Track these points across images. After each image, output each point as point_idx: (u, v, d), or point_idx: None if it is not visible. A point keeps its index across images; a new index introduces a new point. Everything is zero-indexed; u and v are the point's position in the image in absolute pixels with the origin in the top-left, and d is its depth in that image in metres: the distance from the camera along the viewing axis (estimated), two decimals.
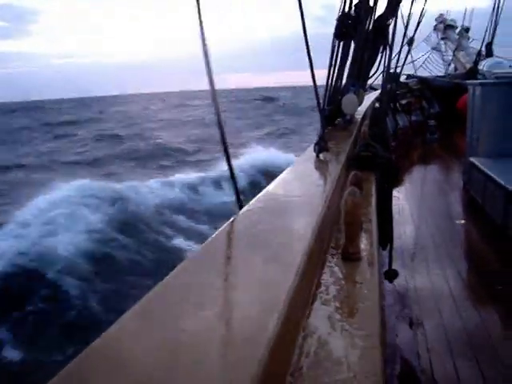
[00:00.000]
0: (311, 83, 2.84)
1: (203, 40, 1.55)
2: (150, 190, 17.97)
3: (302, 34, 2.66)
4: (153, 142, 34.59)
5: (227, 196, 15.71)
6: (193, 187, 18.74)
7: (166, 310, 0.88)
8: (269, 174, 16.54)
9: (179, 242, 13.40)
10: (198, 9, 1.54)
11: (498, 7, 13.56)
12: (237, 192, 1.71)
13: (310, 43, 2.72)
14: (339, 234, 1.63)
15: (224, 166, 1.84)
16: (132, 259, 12.18)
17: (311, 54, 2.74)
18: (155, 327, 0.82)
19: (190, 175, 20.40)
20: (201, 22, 1.55)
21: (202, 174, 20.38)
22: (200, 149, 31.20)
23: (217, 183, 18.44)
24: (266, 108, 63.41)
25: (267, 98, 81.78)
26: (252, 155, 21.30)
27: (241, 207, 1.64)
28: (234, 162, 1.83)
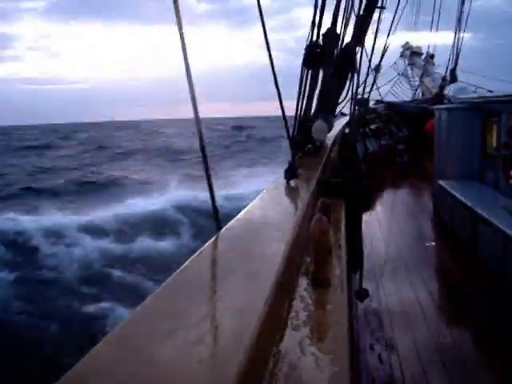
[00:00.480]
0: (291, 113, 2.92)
1: (188, 69, 1.59)
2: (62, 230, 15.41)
3: (270, 65, 2.72)
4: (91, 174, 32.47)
5: (168, 241, 14.76)
6: (123, 230, 16.39)
7: (139, 340, 0.88)
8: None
9: (101, 307, 10.31)
10: (182, 42, 1.58)
11: (460, 33, 14.05)
12: (216, 214, 1.73)
13: (282, 74, 2.79)
14: (309, 260, 1.65)
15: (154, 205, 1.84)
16: (29, 339, 9.03)
17: (278, 84, 2.80)
18: (129, 357, 0.82)
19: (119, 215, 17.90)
20: (185, 53, 1.59)
21: (135, 211, 18.16)
22: (147, 181, 28.05)
23: (154, 224, 16.72)
24: (233, 137, 63.41)
25: (237, 127, 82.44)
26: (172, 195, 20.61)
27: (219, 229, 1.67)
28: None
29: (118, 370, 0.77)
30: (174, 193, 21.25)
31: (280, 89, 2.78)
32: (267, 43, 2.62)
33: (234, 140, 57.30)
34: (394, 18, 6.05)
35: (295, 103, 4.36)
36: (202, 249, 1.44)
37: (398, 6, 6.38)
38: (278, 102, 2.84)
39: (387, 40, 6.54)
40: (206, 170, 1.74)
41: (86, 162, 40.77)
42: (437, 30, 17.45)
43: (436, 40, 17.91)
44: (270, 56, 2.70)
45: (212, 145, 45.54)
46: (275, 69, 2.74)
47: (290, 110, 3.11)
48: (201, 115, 1.68)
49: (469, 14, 13.90)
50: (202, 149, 1.72)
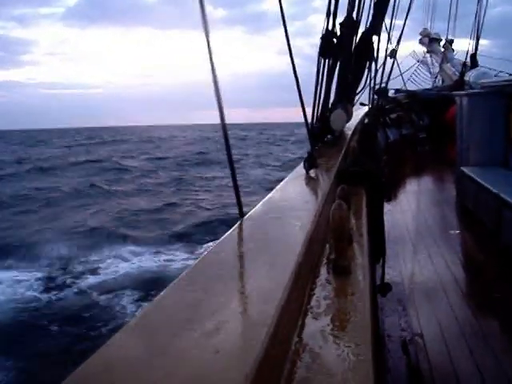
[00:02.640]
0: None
1: (214, 73, 1.61)
2: None
3: (289, 54, 2.72)
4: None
5: None
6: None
7: (157, 330, 0.89)
8: None
9: None
10: (209, 48, 1.59)
11: (480, 18, 13.79)
12: (239, 200, 1.76)
13: (303, 80, 2.80)
14: (330, 248, 1.65)
15: None
16: None
17: (298, 77, 2.80)
18: (147, 347, 0.82)
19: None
20: (211, 58, 1.60)
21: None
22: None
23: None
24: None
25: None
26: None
27: (242, 215, 1.69)
28: None
29: (133, 360, 0.78)
30: None
31: (298, 77, 2.78)
32: (287, 38, 2.63)
33: None
34: (410, 2, 5.96)
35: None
36: (223, 237, 1.45)
37: None
38: (297, 92, 2.84)
39: (404, 23, 6.46)
40: (230, 159, 1.78)
41: None
42: (453, 37, 17.22)
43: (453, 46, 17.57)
44: (289, 46, 2.70)
45: None
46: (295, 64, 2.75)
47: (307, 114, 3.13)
48: (214, 121, 1.71)
49: (485, 13, 13.61)
50: (226, 139, 1.75)
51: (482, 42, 14.37)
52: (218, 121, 1.66)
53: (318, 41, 4.43)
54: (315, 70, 4.39)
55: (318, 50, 4.40)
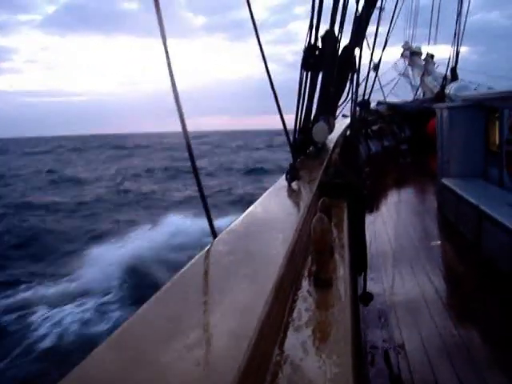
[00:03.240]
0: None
1: (173, 82, 1.59)
2: None
3: (265, 68, 2.73)
4: None
5: None
6: None
7: (138, 343, 0.88)
8: None
9: None
10: (166, 53, 1.58)
11: (459, 32, 14.00)
12: (210, 220, 1.73)
13: (282, 87, 2.81)
14: (312, 261, 1.64)
15: None
16: None
17: (277, 96, 2.81)
18: (128, 360, 0.81)
19: None
20: (169, 65, 1.59)
21: None
22: None
23: None
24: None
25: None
26: None
27: (215, 236, 1.66)
28: None
29: (115, 374, 0.77)
30: None
31: (277, 91, 2.79)
32: (260, 47, 2.63)
33: None
34: (392, 18, 6.05)
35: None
36: (202, 251, 1.44)
37: (396, 5, 6.41)
38: (276, 106, 2.85)
39: (388, 35, 6.55)
40: (197, 178, 1.76)
41: None
42: (435, 43, 17.48)
43: (434, 53, 17.85)
44: (264, 58, 2.71)
45: None
46: (272, 77, 2.76)
47: (289, 122, 3.14)
48: (193, 128, 1.69)
49: (466, 21, 13.84)
50: (192, 160, 1.73)
51: (461, 49, 14.55)
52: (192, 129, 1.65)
53: (298, 48, 4.45)
54: (296, 77, 4.41)
55: (298, 58, 4.43)
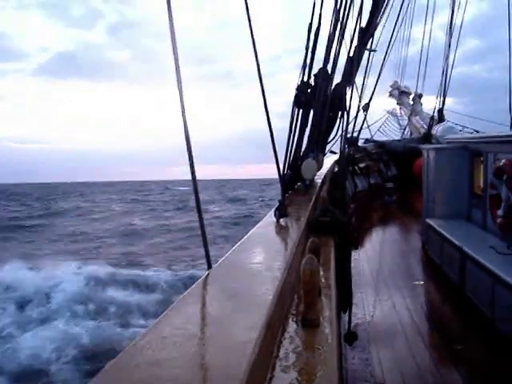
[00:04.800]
0: (275, 176, 3.02)
1: (186, 128, 1.66)
2: None
3: (263, 104, 2.78)
4: None
5: None
6: None
7: (131, 376, 0.88)
8: None
9: None
10: (182, 103, 1.65)
11: (447, 75, 14.36)
12: (207, 252, 1.79)
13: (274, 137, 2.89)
14: (299, 300, 1.65)
15: None
16: None
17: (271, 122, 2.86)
18: None
19: None
20: (183, 113, 1.66)
21: None
22: None
23: None
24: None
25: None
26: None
27: (209, 266, 1.70)
28: None
29: None
30: None
31: (272, 128, 2.84)
32: (261, 81, 2.69)
33: None
34: (383, 59, 6.20)
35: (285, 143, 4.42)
36: (189, 289, 1.44)
37: (388, 47, 6.57)
38: (270, 140, 2.89)
39: (378, 77, 6.69)
40: (198, 209, 1.79)
41: None
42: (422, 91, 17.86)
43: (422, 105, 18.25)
44: (263, 93, 2.76)
45: None
46: (266, 122, 2.83)
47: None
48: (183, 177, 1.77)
49: (452, 71, 14.26)
50: (195, 190, 1.78)
51: (447, 100, 14.94)
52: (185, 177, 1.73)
53: (284, 98, 4.57)
54: (285, 125, 4.52)
55: (285, 105, 4.55)
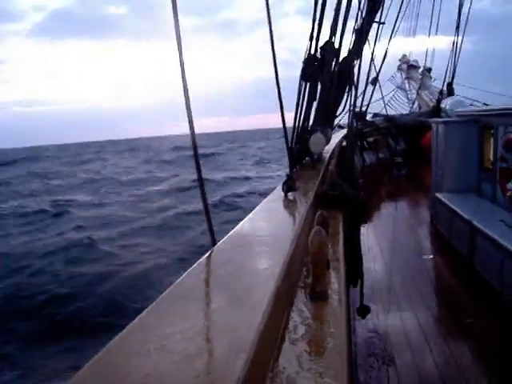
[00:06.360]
0: (281, 125, 2.95)
1: (184, 84, 1.60)
2: None
3: (273, 77, 2.74)
4: None
5: None
6: None
7: (129, 355, 0.88)
8: None
9: None
10: (180, 52, 1.59)
11: (457, 49, 14.13)
12: (211, 228, 1.74)
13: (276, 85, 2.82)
14: (307, 273, 1.65)
15: None
16: None
17: (280, 95, 2.83)
18: (125, 372, 0.81)
19: None
20: (182, 66, 1.59)
21: None
22: None
23: None
24: None
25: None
26: None
27: (214, 243, 1.67)
28: None
29: None
30: None
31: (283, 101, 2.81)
32: (274, 56, 2.65)
33: None
34: (392, 32, 6.10)
35: (290, 115, 4.38)
36: (196, 263, 1.44)
37: (396, 21, 6.46)
38: (280, 115, 2.86)
39: (387, 48, 6.59)
40: (201, 185, 1.76)
41: None
42: (436, 33, 17.46)
43: (434, 44, 17.88)
44: (276, 68, 2.72)
45: None
46: (270, 80, 2.78)
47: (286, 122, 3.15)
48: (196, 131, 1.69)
49: (467, 19, 13.93)
50: (197, 164, 1.74)
51: (458, 39, 14.50)
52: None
53: (289, 45, 4.49)
54: (288, 74, 4.45)
55: (289, 51, 4.49)
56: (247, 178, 33.51)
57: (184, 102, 1.62)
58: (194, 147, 1.70)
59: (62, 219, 21.36)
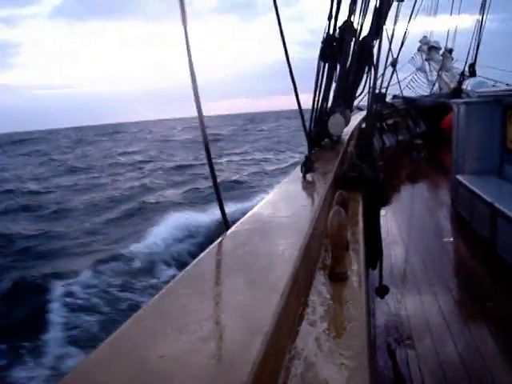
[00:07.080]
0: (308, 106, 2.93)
1: (191, 67, 1.57)
2: None
3: (285, 59, 2.71)
4: None
5: None
6: None
7: (146, 336, 0.87)
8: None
9: None
10: (186, 38, 1.56)
11: (480, 29, 13.85)
12: (223, 212, 1.71)
13: (297, 67, 2.79)
14: (326, 253, 1.63)
15: None
16: None
17: (295, 77, 2.79)
18: (132, 354, 0.81)
19: None
20: (189, 51, 1.57)
21: None
22: None
23: None
24: None
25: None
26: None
27: (227, 228, 1.65)
28: None
29: (129, 365, 0.76)
30: None
31: (296, 82, 2.78)
32: (283, 40, 2.61)
33: None
34: (412, 10, 5.98)
35: (311, 97, 4.33)
36: (212, 245, 1.43)
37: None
38: (294, 96, 2.83)
39: (407, 29, 6.47)
40: (212, 169, 1.74)
41: None
42: (458, 13, 17.06)
43: (456, 23, 17.46)
44: (286, 51, 2.69)
45: None
46: (288, 61, 2.74)
47: (305, 103, 3.12)
48: (210, 113, 1.66)
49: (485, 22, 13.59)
50: (207, 149, 1.71)
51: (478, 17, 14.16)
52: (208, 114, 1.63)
53: (310, 26, 4.43)
54: (309, 55, 4.40)
55: (309, 33, 4.44)
56: None
57: (191, 86, 1.60)
58: (203, 131, 1.68)
59: None
